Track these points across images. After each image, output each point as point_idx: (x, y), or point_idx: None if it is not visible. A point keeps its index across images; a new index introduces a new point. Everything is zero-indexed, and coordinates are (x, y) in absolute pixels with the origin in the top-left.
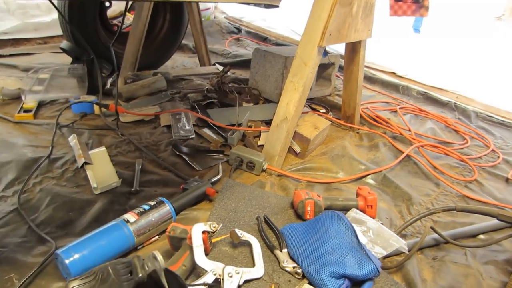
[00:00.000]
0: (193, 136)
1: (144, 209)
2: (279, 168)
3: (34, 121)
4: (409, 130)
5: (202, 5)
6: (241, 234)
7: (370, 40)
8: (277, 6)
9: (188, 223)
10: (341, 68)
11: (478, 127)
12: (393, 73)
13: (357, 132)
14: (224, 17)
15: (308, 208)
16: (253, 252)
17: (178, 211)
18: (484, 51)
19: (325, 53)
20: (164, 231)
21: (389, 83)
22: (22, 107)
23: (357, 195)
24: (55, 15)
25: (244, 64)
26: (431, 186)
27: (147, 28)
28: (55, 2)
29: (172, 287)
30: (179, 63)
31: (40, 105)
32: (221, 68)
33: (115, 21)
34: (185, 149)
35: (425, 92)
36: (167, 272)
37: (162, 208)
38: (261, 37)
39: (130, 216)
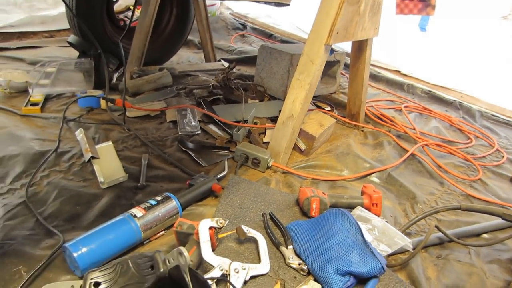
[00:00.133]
0: (199, 132)
1: (151, 204)
2: (284, 165)
3: (41, 115)
4: (414, 129)
5: (208, 1)
6: (247, 230)
7: (375, 38)
8: (288, 5)
9: (194, 219)
10: (346, 66)
11: (483, 126)
12: (398, 71)
13: (362, 130)
14: (230, 13)
15: (314, 206)
16: (259, 249)
17: (184, 206)
18: (489, 51)
19: (331, 51)
20: (170, 226)
21: (394, 81)
22: (29, 100)
23: (362, 193)
24: (61, 8)
25: (249, 60)
26: (435, 185)
27: (153, 23)
28: None
29: (193, 283)
30: (185, 58)
31: (47, 98)
32: (226, 64)
33: (121, 16)
34: (191, 145)
35: (429, 91)
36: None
37: (169, 203)
38: (266, 34)
39: (137, 211)
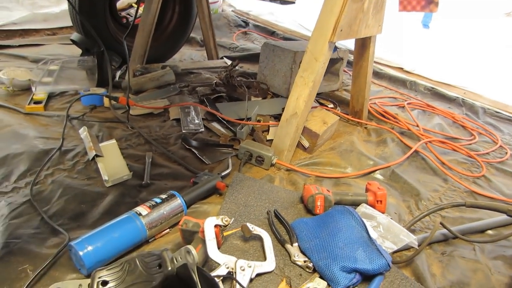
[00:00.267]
0: (202, 130)
1: (155, 202)
2: (288, 163)
3: (44, 113)
4: (417, 126)
5: None
6: (252, 228)
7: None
8: (293, 2)
9: (199, 217)
10: (349, 63)
11: (486, 123)
12: (401, 68)
13: (365, 128)
14: (232, 11)
15: (318, 203)
16: (264, 246)
17: (189, 204)
18: (492, 47)
19: (334, 48)
20: (175, 224)
21: (396, 78)
22: (32, 98)
23: (367, 190)
24: (64, 6)
25: (252, 58)
26: (439, 181)
27: (156, 21)
28: None
29: (201, 282)
30: (187, 56)
31: (50, 96)
32: (229, 62)
33: (123, 13)
34: (194, 143)
35: (432, 88)
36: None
37: (174, 201)
38: (268, 31)
39: (142, 209)
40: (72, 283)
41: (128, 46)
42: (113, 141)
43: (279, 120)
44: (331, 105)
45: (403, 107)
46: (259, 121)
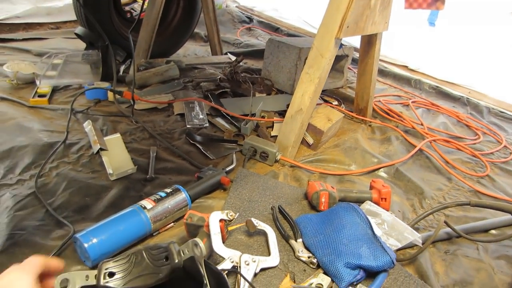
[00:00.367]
0: (206, 125)
1: (160, 196)
2: (292, 159)
3: (48, 106)
4: (422, 124)
5: None
6: (257, 223)
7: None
8: None
9: (203, 211)
10: (353, 60)
11: (490, 122)
12: (406, 66)
13: (370, 125)
14: (236, 6)
15: (323, 200)
16: (268, 241)
17: (193, 199)
18: (498, 46)
19: (340, 45)
20: (179, 218)
21: (401, 76)
22: (36, 91)
23: (371, 187)
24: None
25: (256, 54)
26: (443, 180)
27: (161, 16)
28: None
29: (207, 275)
30: (191, 51)
31: (54, 90)
32: (233, 57)
33: (127, 8)
34: (199, 138)
35: (437, 87)
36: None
37: (178, 195)
38: (272, 27)
39: (146, 203)
40: (79, 274)
41: (133, 41)
42: (118, 135)
43: (283, 117)
44: (335, 102)
45: (408, 105)
46: (263, 117)
